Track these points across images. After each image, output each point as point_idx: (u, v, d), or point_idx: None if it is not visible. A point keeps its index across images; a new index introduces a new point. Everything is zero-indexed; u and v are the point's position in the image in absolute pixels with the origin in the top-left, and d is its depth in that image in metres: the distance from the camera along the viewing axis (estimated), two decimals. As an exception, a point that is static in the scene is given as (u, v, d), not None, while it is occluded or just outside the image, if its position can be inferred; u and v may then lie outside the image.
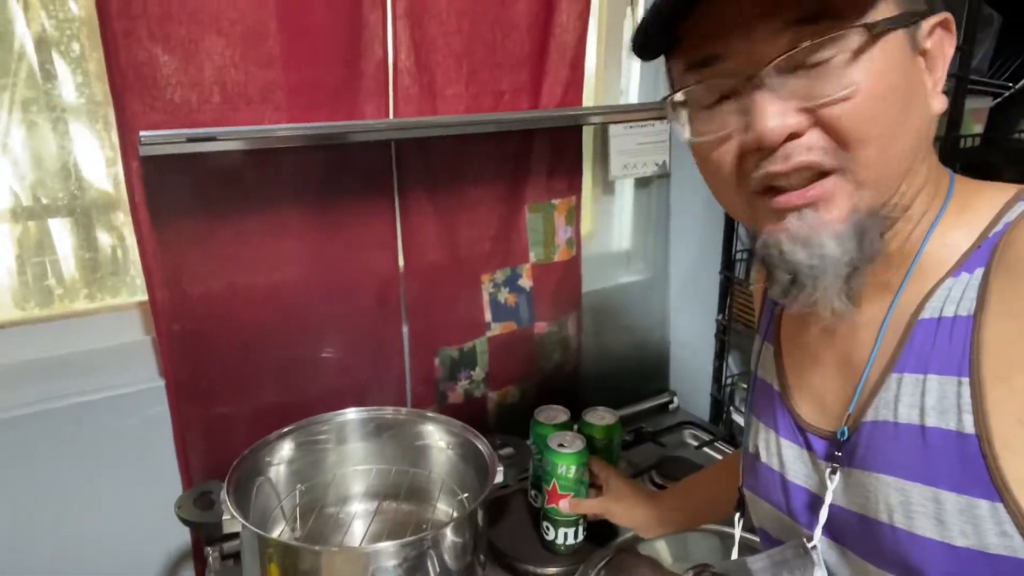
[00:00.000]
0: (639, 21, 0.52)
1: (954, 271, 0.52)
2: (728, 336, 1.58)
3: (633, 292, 1.49)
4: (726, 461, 1.01)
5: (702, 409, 1.59)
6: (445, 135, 1.14)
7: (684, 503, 0.98)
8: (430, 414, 1.09)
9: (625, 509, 1.00)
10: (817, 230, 0.50)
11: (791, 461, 0.63)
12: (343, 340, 1.16)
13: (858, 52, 0.48)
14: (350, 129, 1.05)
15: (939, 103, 0.51)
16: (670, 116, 0.56)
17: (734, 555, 0.72)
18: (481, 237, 1.25)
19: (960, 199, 0.54)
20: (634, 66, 1.39)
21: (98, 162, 1.02)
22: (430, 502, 1.07)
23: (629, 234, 1.49)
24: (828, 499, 0.57)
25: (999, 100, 1.17)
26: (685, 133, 0.55)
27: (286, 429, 1.03)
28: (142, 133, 0.90)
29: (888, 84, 0.48)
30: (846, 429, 0.57)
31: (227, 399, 1.08)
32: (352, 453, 1.09)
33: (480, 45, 1.13)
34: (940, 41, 0.51)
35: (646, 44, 0.54)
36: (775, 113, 0.48)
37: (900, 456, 0.52)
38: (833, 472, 0.57)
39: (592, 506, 1.02)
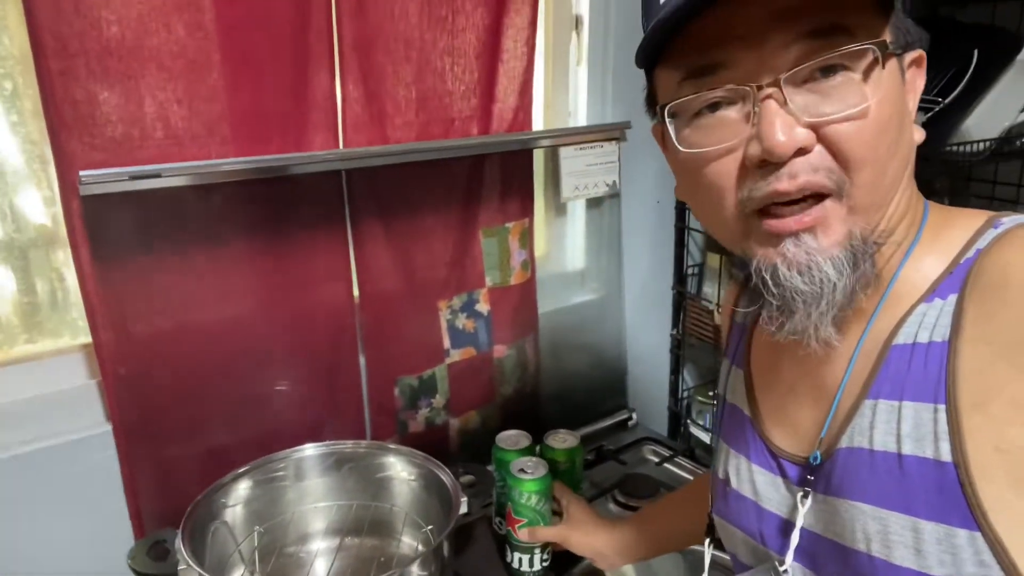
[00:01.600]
0: (652, 25, 0.49)
1: (926, 297, 0.51)
2: (683, 350, 1.60)
3: (589, 311, 1.50)
4: (691, 487, 1.01)
5: (660, 424, 1.61)
6: (396, 163, 1.13)
7: (646, 532, 0.97)
8: (391, 445, 1.07)
9: (583, 537, 1.00)
10: (815, 256, 0.49)
11: (764, 487, 0.62)
12: (298, 374, 1.14)
13: (869, 71, 0.47)
14: (299, 161, 1.03)
15: (919, 134, 0.52)
16: (666, 126, 0.53)
17: None
18: (436, 264, 1.24)
19: (933, 226, 0.54)
20: (581, 89, 1.41)
21: (35, 201, 0.99)
22: (394, 536, 1.06)
23: (583, 254, 1.50)
24: (799, 522, 0.57)
25: (930, 115, 1.22)
26: (676, 145, 0.53)
27: (241, 469, 1.00)
28: (82, 173, 0.87)
29: (891, 108, 0.49)
30: (819, 454, 0.56)
31: (178, 441, 1.05)
32: (311, 490, 1.06)
33: (429, 73, 1.13)
34: (914, 76, 0.53)
35: (649, 50, 0.51)
36: (784, 127, 0.47)
37: (877, 484, 0.51)
38: (805, 496, 0.56)
39: (549, 535, 1.02)
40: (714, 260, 1.53)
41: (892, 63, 0.49)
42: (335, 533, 1.07)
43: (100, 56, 0.87)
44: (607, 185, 1.41)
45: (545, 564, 1.04)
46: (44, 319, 1.03)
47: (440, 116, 1.17)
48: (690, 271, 1.59)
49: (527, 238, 1.33)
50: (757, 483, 0.63)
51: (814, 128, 0.48)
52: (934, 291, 0.51)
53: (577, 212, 1.48)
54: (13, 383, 0.99)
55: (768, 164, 0.49)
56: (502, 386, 1.37)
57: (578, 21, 1.36)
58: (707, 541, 0.72)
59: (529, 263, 1.35)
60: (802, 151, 0.48)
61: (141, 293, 0.98)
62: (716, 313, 1.50)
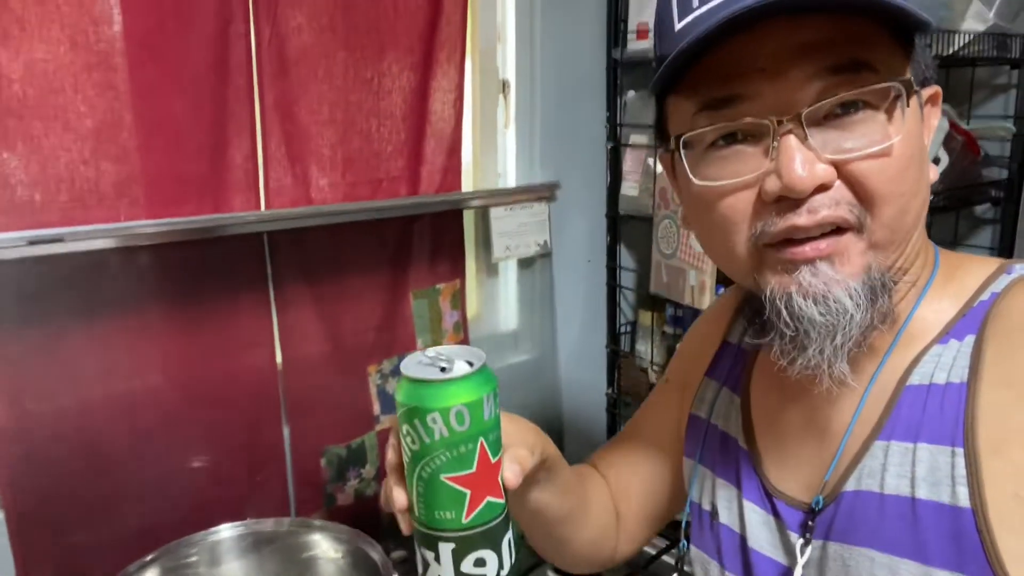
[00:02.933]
0: (672, 54, 0.47)
1: (941, 338, 0.50)
2: (619, 409, 1.59)
3: (523, 371, 1.48)
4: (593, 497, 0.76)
5: (599, 486, 1.58)
6: (322, 225, 1.10)
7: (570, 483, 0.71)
8: (316, 522, 1.00)
9: (536, 437, 0.63)
10: (831, 286, 0.47)
11: (755, 526, 0.59)
12: (216, 448, 1.07)
13: (892, 109, 0.47)
14: (215, 223, 0.99)
15: (933, 172, 0.51)
16: (677, 156, 0.52)
17: None
18: (365, 327, 1.20)
19: (946, 269, 0.53)
20: (510, 150, 1.42)
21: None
22: (320, 621, 0.98)
23: (515, 314, 1.49)
24: (805, 556, 0.54)
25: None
26: (690, 176, 0.51)
27: (149, 557, 0.91)
28: (-26, 237, 0.81)
29: (915, 145, 0.48)
30: (821, 498, 0.53)
31: (81, 528, 0.96)
32: (229, 575, 0.98)
33: (355, 134, 1.12)
34: (930, 113, 0.52)
35: (666, 79, 0.50)
36: (804, 162, 0.46)
37: (887, 530, 0.49)
38: (806, 544, 0.54)
39: (526, 456, 0.56)
40: (646, 318, 1.54)
41: (913, 100, 0.48)
42: (255, 621, 0.99)
43: (0, 115, 0.82)
44: (538, 245, 1.41)
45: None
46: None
47: (367, 177, 1.15)
48: (623, 329, 1.59)
49: (459, 299, 1.31)
50: (748, 521, 0.60)
51: (835, 165, 0.47)
52: (949, 332, 0.50)
53: (509, 273, 1.47)
54: None
55: (785, 200, 0.47)
56: (435, 453, 1.32)
57: (505, 85, 1.38)
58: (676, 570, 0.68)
59: (461, 325, 1.32)
60: (822, 187, 0.47)
61: (42, 367, 0.92)
62: (651, 371, 1.50)
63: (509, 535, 0.51)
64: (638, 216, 1.47)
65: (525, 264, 1.45)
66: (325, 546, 0.98)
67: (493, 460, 0.48)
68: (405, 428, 0.47)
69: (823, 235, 0.48)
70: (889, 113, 0.47)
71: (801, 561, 0.54)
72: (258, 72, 1.01)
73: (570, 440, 1.58)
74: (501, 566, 0.49)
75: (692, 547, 0.67)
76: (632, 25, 1.40)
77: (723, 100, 0.48)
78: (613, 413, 1.60)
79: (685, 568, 0.68)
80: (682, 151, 0.51)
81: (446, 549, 0.48)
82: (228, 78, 0.98)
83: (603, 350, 1.58)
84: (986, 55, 1.36)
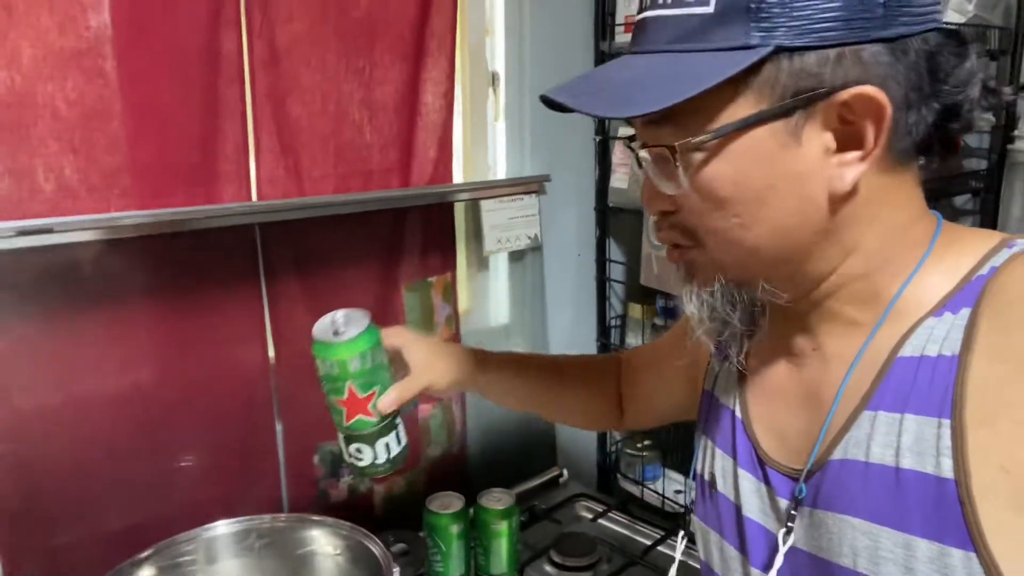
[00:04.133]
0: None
1: (936, 311, 0.50)
2: (610, 403, 1.59)
3: (514, 366, 1.47)
4: (597, 367, 0.93)
5: (590, 480, 1.58)
6: (314, 217, 1.09)
7: (524, 380, 0.86)
8: (314, 517, 0.99)
9: (447, 370, 0.79)
10: (684, 290, 0.56)
11: (747, 494, 0.60)
12: (207, 445, 1.05)
13: (688, 160, 0.49)
14: (206, 214, 0.98)
15: (842, 183, 0.48)
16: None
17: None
18: (357, 321, 1.19)
19: (941, 247, 0.53)
20: (500, 143, 1.42)
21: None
22: (318, 618, 0.97)
23: (507, 308, 1.48)
24: (787, 544, 0.55)
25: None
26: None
27: (143, 554, 0.89)
28: (-40, 228, 0.79)
29: (728, 184, 0.49)
30: (810, 467, 0.54)
31: (70, 527, 0.94)
32: (225, 572, 0.97)
33: (347, 126, 1.11)
34: (863, 113, 0.47)
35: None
36: (647, 193, 0.54)
37: (870, 498, 0.50)
38: (792, 517, 0.55)
39: (414, 386, 0.76)
40: (635, 311, 1.54)
41: (747, 136, 0.48)
42: (251, 619, 0.97)
43: (-15, 103, 0.81)
44: (529, 238, 1.40)
45: (405, 442, 0.77)
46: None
47: (358, 169, 1.14)
48: (613, 322, 1.59)
49: (451, 293, 1.30)
50: (742, 489, 0.61)
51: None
52: (944, 305, 0.50)
53: (500, 266, 1.46)
54: None
55: None
56: (428, 447, 1.31)
57: (495, 78, 1.38)
58: (680, 536, 0.69)
59: (453, 318, 1.32)
60: (664, 213, 0.54)
61: (28, 362, 0.90)
62: (641, 363, 1.50)
63: (385, 440, 0.73)
64: (628, 209, 1.47)
65: (516, 257, 1.45)
66: (323, 541, 0.97)
67: (361, 396, 0.71)
68: (316, 363, 0.73)
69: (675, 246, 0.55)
70: (687, 162, 0.49)
71: (785, 542, 0.55)
72: (249, 61, 1.00)
73: (562, 436, 1.58)
74: (375, 457, 0.74)
75: (695, 519, 0.68)
76: (620, 18, 1.40)
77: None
78: (603, 407, 1.60)
79: (689, 544, 0.69)
80: None
81: (340, 438, 0.75)
82: (219, 67, 0.97)
83: (594, 343, 1.58)
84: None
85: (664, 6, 0.49)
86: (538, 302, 1.48)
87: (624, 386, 0.90)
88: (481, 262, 1.43)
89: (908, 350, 0.51)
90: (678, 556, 0.69)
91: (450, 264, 1.30)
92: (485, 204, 1.32)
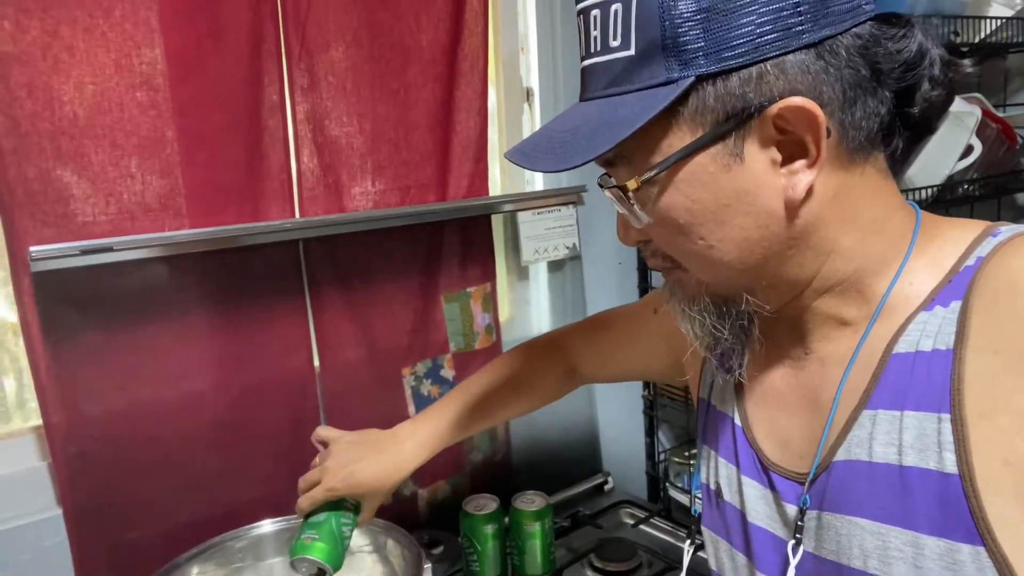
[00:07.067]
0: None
1: (926, 305, 0.50)
2: (656, 411, 1.59)
3: (558, 375, 1.49)
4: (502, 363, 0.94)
5: (638, 488, 1.58)
6: (354, 231, 1.15)
7: (454, 424, 0.88)
8: (354, 517, 1.04)
9: (364, 468, 0.83)
10: (675, 308, 0.58)
11: (753, 501, 0.60)
12: (258, 448, 1.11)
13: (643, 195, 0.51)
14: (254, 231, 1.05)
15: (795, 192, 0.49)
16: None
17: None
18: (399, 331, 1.24)
19: (922, 242, 0.53)
20: (537, 156, 1.45)
21: (-12, 283, 0.99)
22: (358, 612, 1.01)
23: (547, 316, 1.51)
24: (798, 555, 0.55)
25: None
26: None
27: (195, 550, 0.96)
28: (32, 248, 0.88)
29: (683, 211, 0.50)
30: (814, 471, 0.54)
31: (132, 524, 1.01)
32: (271, 569, 1.02)
33: (383, 144, 1.16)
34: (796, 123, 0.47)
35: None
36: (622, 229, 0.57)
37: (876, 497, 0.50)
38: (800, 528, 0.55)
39: (316, 494, 0.83)
40: (679, 318, 1.54)
41: (691, 162, 0.49)
42: (297, 614, 1.02)
43: (52, 136, 0.89)
44: (567, 248, 1.43)
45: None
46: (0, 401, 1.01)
47: (396, 185, 1.19)
48: (656, 330, 1.59)
49: (490, 302, 1.34)
50: (747, 496, 0.61)
51: None
52: (933, 299, 0.50)
53: (540, 276, 1.49)
54: (-40, 469, 0.96)
55: None
56: (471, 453, 1.34)
57: (529, 93, 1.42)
58: (687, 544, 0.70)
59: (494, 327, 1.35)
60: (643, 243, 0.57)
61: (94, 371, 0.97)
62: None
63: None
64: (666, 216, 1.48)
65: (555, 267, 1.47)
66: (361, 540, 1.01)
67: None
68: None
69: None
70: (641, 196, 0.51)
71: (795, 554, 0.55)
72: (289, 87, 1.06)
73: (607, 444, 1.59)
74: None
75: (704, 527, 0.68)
76: (653, 29, 1.42)
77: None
78: (650, 415, 1.60)
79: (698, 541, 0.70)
80: None
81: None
82: (262, 94, 1.04)
83: (637, 351, 1.59)
84: (1017, 40, 1.34)
85: (596, 54, 0.51)
86: (579, 310, 1.50)
87: (582, 346, 0.94)
88: (521, 271, 1.46)
89: (902, 346, 0.51)
90: (685, 565, 0.70)
91: (489, 274, 1.34)
92: (522, 216, 1.36)
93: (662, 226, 0.52)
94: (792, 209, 0.50)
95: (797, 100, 0.46)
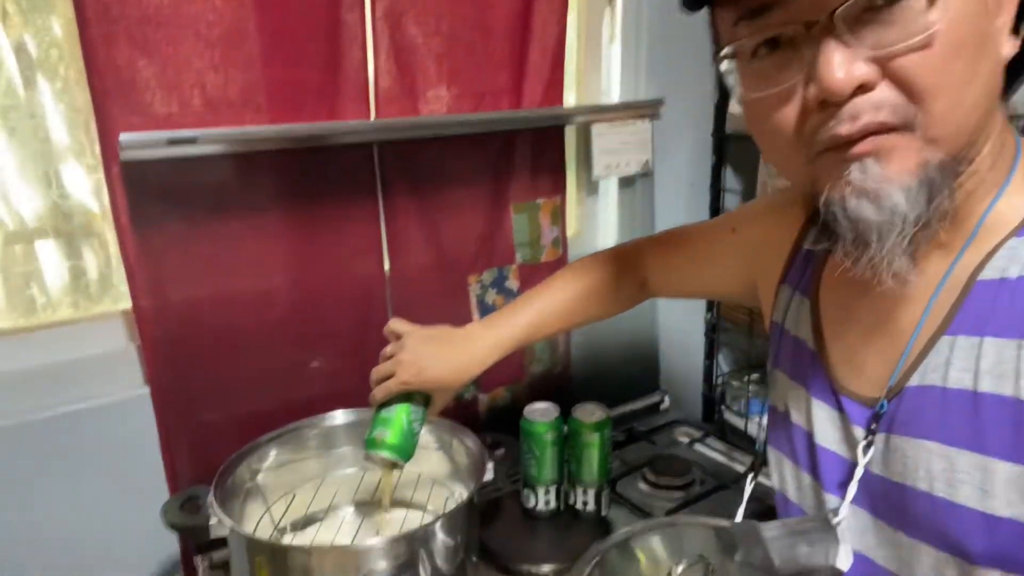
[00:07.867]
0: None
1: (1018, 231, 0.49)
2: (717, 335, 1.58)
3: (621, 293, 1.49)
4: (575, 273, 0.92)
5: (693, 409, 1.59)
6: (427, 136, 1.14)
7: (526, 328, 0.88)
8: (419, 415, 1.07)
9: (437, 364, 0.84)
10: (882, 184, 0.46)
11: (821, 423, 0.60)
12: (329, 345, 1.15)
13: None
14: (333, 131, 1.05)
15: (1009, 47, 0.47)
16: (724, 73, 0.52)
17: (738, 518, 0.70)
18: (466, 238, 1.25)
19: (1022, 166, 0.51)
20: (615, 66, 1.40)
21: (79, 170, 1.02)
22: (420, 503, 1.06)
23: (615, 233, 1.49)
24: (859, 473, 0.55)
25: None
26: (738, 90, 0.51)
27: (272, 434, 1.01)
28: (122, 136, 0.90)
29: (965, 29, 0.44)
30: (885, 401, 0.54)
31: (211, 406, 1.07)
32: (340, 457, 1.08)
33: (460, 47, 1.14)
34: None
35: None
36: (842, 63, 0.44)
37: (947, 422, 0.49)
38: (868, 445, 0.55)
39: (391, 386, 0.84)
40: (749, 242, 1.50)
41: None
42: (362, 499, 1.08)
43: (139, 23, 0.90)
44: (640, 164, 1.40)
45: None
46: (87, 285, 1.06)
47: (471, 90, 1.17)
48: (724, 253, 1.56)
49: (559, 216, 1.33)
50: (815, 418, 0.61)
51: (877, 62, 0.44)
52: None
53: (609, 191, 1.47)
54: (56, 346, 1.02)
55: (829, 105, 0.46)
56: (532, 364, 1.37)
57: (611, -1, 1.36)
58: (748, 477, 0.71)
59: (560, 241, 1.35)
60: (864, 87, 0.45)
61: (178, 259, 1.01)
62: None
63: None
64: (748, 135, 1.42)
65: (626, 183, 1.45)
66: (427, 437, 1.05)
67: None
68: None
69: (869, 134, 0.46)
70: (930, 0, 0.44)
71: (863, 460, 0.55)
72: (369, -19, 1.04)
73: (666, 363, 1.59)
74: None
75: (769, 447, 0.69)
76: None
77: (758, 9, 0.47)
78: (712, 339, 1.59)
79: (758, 476, 0.71)
80: (731, 66, 0.51)
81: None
82: (341, -11, 1.02)
83: (703, 274, 1.57)
84: None
85: None
86: (647, 229, 1.48)
87: (654, 259, 0.92)
88: (591, 187, 1.44)
89: (989, 272, 0.49)
90: (746, 496, 0.71)
91: (560, 187, 1.33)
92: (595, 128, 1.32)
93: (952, 32, 0.44)
94: (1000, 69, 0.48)
95: None
